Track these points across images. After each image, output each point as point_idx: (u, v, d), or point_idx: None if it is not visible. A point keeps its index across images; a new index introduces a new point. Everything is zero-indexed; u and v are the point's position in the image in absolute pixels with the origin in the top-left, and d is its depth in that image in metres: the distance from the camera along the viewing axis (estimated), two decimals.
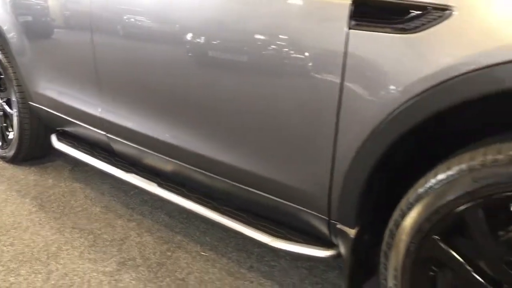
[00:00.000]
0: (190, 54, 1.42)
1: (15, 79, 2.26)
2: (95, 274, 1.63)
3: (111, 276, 1.62)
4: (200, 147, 1.51)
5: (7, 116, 2.46)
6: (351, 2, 1.05)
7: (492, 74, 0.87)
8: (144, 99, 1.64)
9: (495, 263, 0.95)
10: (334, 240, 1.30)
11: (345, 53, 1.08)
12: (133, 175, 1.84)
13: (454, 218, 0.97)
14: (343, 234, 1.22)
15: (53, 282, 1.59)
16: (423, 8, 0.95)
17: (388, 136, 1.05)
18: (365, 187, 1.13)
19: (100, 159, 1.99)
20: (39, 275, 1.63)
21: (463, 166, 0.94)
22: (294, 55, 1.17)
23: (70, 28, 1.86)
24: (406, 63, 0.99)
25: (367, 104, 1.07)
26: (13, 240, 1.82)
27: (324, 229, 1.29)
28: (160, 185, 1.74)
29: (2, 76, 2.40)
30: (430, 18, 0.94)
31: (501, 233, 0.96)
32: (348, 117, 1.11)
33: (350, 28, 1.06)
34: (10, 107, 2.38)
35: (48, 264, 1.68)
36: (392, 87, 1.02)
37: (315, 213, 1.28)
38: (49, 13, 1.94)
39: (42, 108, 2.19)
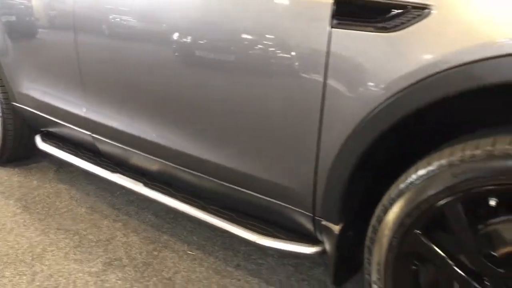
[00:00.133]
0: (176, 54, 1.42)
1: None
2: (80, 274, 1.62)
3: (97, 277, 1.61)
4: (187, 146, 1.51)
5: None
6: (333, 1, 1.06)
7: (470, 71, 0.89)
8: (129, 98, 1.64)
9: (475, 256, 0.97)
10: (319, 236, 1.31)
11: (328, 52, 1.09)
12: (119, 175, 1.84)
13: (435, 213, 0.99)
14: (328, 231, 1.23)
15: (38, 283, 1.58)
16: (403, 7, 0.97)
17: (370, 134, 1.06)
18: (348, 184, 1.14)
19: (85, 160, 1.97)
20: (24, 277, 1.61)
21: (443, 161, 0.97)
22: (279, 55, 1.19)
23: (54, 27, 1.85)
24: (387, 61, 1.01)
25: (350, 102, 1.08)
26: None
27: (309, 226, 1.30)
28: (146, 184, 1.73)
29: None
30: (410, 17, 0.96)
31: (480, 226, 0.98)
32: (332, 115, 1.13)
33: (332, 27, 1.07)
34: None
35: (33, 266, 1.67)
36: (373, 85, 1.04)
37: (301, 210, 1.29)
38: (33, 12, 1.92)
39: (26, 109, 2.17)
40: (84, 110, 1.83)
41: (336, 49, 1.08)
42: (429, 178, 0.99)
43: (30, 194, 2.17)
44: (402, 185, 1.03)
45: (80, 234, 1.86)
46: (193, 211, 1.59)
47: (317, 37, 1.10)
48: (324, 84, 1.12)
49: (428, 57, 0.95)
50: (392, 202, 1.05)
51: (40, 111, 2.09)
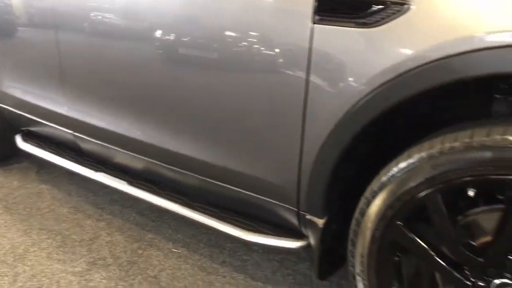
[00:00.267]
0: (158, 51, 1.42)
1: None
2: (64, 274, 1.60)
3: (81, 276, 1.60)
4: (171, 144, 1.51)
5: None
6: None
7: (447, 65, 0.91)
8: (112, 96, 1.62)
9: (455, 246, 1.00)
10: (304, 231, 1.33)
11: (310, 48, 1.10)
12: (102, 173, 1.82)
13: (416, 204, 1.01)
14: (312, 225, 1.24)
15: (20, 284, 1.56)
16: (383, 2, 0.99)
17: (352, 128, 1.08)
18: (331, 178, 1.16)
19: (68, 159, 1.95)
20: (6, 278, 1.58)
21: (423, 154, 0.99)
22: (262, 51, 1.19)
23: (34, 25, 1.82)
24: (367, 57, 1.03)
25: (332, 97, 1.10)
26: None
27: (294, 220, 1.32)
28: (131, 183, 1.72)
29: None
30: (390, 12, 0.98)
31: (459, 217, 1.01)
32: (315, 110, 1.14)
33: (314, 23, 1.08)
34: None
35: (15, 267, 1.64)
36: (354, 80, 1.05)
37: (285, 205, 1.30)
38: (12, 10, 1.89)
39: (5, 108, 2.13)
40: (66, 108, 1.81)
41: (318, 45, 1.09)
42: (409, 171, 1.01)
43: (11, 195, 2.13)
44: (383, 178, 1.05)
45: (63, 234, 1.84)
46: (178, 208, 1.58)
47: (299, 33, 1.11)
48: (307, 80, 1.13)
49: (407, 51, 0.97)
50: (374, 195, 1.07)
51: (21, 110, 2.06)
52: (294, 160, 1.21)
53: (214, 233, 1.78)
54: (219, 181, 1.43)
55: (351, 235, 1.14)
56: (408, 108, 1.03)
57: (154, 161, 1.60)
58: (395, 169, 1.03)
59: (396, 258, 1.09)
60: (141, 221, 1.93)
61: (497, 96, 1.05)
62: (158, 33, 1.39)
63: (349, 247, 1.16)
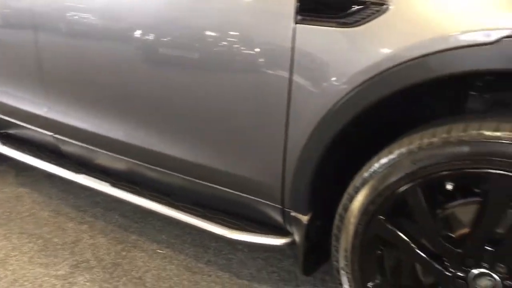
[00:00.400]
0: (139, 51, 1.41)
1: None
2: (47, 278, 1.58)
3: (64, 279, 1.58)
4: (154, 144, 1.50)
5: None
6: None
7: (424, 64, 0.95)
8: (94, 97, 1.61)
9: (434, 238, 1.03)
10: (288, 228, 1.35)
11: (293, 48, 1.12)
12: (84, 175, 1.80)
13: (397, 199, 1.04)
14: (297, 221, 1.27)
15: None
16: (362, 3, 1.02)
17: (334, 126, 1.10)
18: (315, 175, 1.18)
19: (48, 161, 1.92)
20: None
21: (403, 149, 1.02)
22: (245, 51, 1.20)
23: (12, 26, 1.79)
24: (348, 56, 1.05)
25: (314, 96, 1.12)
26: None
27: (278, 218, 1.33)
28: (114, 184, 1.71)
29: None
30: (369, 12, 1.01)
31: (438, 210, 1.04)
32: (298, 109, 1.16)
33: (296, 23, 1.10)
34: None
35: None
36: (336, 79, 1.07)
37: (270, 203, 1.32)
38: None
39: None
40: (46, 109, 1.79)
41: (300, 44, 1.11)
42: (390, 166, 1.04)
43: None
44: (365, 174, 1.08)
45: (44, 237, 1.82)
46: (162, 208, 1.58)
47: (282, 33, 1.12)
48: (290, 80, 1.15)
49: (386, 51, 0.99)
50: (357, 191, 1.10)
51: None
52: (278, 159, 1.23)
53: (199, 233, 1.79)
54: (204, 181, 1.43)
55: (334, 230, 1.17)
56: (388, 108, 1.06)
57: (138, 162, 1.59)
58: (376, 165, 1.06)
59: (379, 252, 1.12)
60: (124, 223, 1.92)
61: (472, 93, 1.10)
62: (139, 33, 1.39)
63: (333, 242, 1.18)
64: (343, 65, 1.06)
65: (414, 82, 0.97)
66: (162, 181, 1.58)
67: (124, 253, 1.72)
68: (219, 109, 1.30)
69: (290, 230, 1.35)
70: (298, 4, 1.09)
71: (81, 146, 1.75)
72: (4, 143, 2.10)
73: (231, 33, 1.22)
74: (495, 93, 1.07)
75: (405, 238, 1.06)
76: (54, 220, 1.94)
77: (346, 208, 1.13)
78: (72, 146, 1.79)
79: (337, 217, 1.16)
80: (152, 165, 1.56)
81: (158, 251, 1.74)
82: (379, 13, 1.00)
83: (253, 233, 1.40)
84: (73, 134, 1.75)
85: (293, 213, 1.27)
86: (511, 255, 0.95)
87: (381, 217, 1.07)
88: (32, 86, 1.79)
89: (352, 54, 1.05)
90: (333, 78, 1.08)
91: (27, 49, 1.71)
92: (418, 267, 1.11)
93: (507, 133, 0.89)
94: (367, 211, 1.08)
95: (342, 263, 1.16)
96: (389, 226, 1.07)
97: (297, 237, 1.30)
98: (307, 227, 1.24)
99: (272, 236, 1.38)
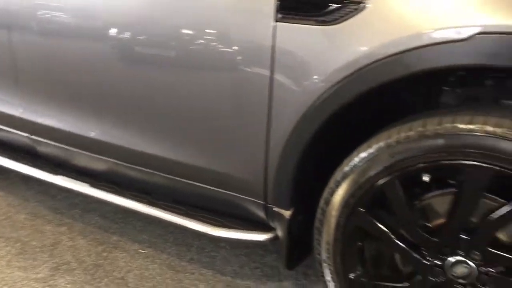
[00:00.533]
0: (115, 50, 1.40)
1: None
2: (26, 281, 1.56)
3: (44, 282, 1.55)
4: (132, 142, 1.50)
5: None
6: None
7: (400, 60, 0.98)
8: (70, 96, 1.59)
9: (412, 228, 1.07)
10: (271, 223, 1.37)
11: (273, 46, 1.14)
12: (62, 177, 1.77)
13: (376, 192, 1.07)
14: (279, 217, 1.29)
15: None
16: (340, 1, 1.04)
17: (314, 122, 1.13)
18: (297, 171, 1.20)
19: (23, 163, 1.88)
20: None
21: (381, 143, 1.05)
22: (226, 50, 1.21)
23: None
24: (327, 54, 1.08)
25: (295, 93, 1.14)
26: None
27: (261, 213, 1.35)
28: (93, 185, 1.69)
29: None
30: (347, 10, 1.04)
31: (416, 202, 1.08)
32: (279, 106, 1.18)
33: (277, 21, 1.12)
34: None
35: None
36: (315, 76, 1.10)
37: (253, 199, 1.33)
38: None
39: None
40: (21, 110, 1.75)
41: (280, 43, 1.13)
42: (370, 160, 1.07)
43: None
44: (346, 168, 1.11)
45: (22, 241, 1.78)
46: (143, 207, 1.57)
47: (262, 31, 1.14)
48: (271, 78, 1.16)
49: (363, 48, 1.02)
50: (337, 185, 1.13)
51: None
52: (260, 155, 1.25)
53: (181, 231, 1.79)
54: (186, 179, 1.44)
55: (317, 224, 1.20)
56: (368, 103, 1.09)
57: (117, 161, 1.58)
58: (356, 159, 1.09)
59: (360, 244, 1.16)
60: (104, 224, 1.90)
61: (445, 88, 1.14)
62: (115, 32, 1.38)
63: (315, 236, 1.21)
64: (323, 63, 1.08)
65: (391, 79, 1.00)
66: (143, 180, 1.57)
67: (105, 254, 1.71)
68: (202, 107, 1.30)
69: (272, 226, 1.37)
70: (278, 2, 1.11)
71: (58, 147, 1.72)
72: None
73: (211, 31, 1.23)
74: (467, 88, 1.12)
75: (385, 229, 1.09)
76: (31, 223, 1.90)
77: (327, 202, 1.15)
78: (49, 147, 1.76)
79: (319, 210, 1.18)
80: (132, 164, 1.55)
81: (140, 251, 1.74)
82: (356, 11, 1.03)
83: (236, 230, 1.41)
84: (50, 135, 1.72)
85: (275, 209, 1.29)
86: (485, 243, 1.00)
87: (361, 209, 1.10)
88: (6, 87, 1.75)
89: (331, 51, 1.07)
90: (313, 76, 1.10)
91: (1, 49, 1.67)
92: (397, 257, 1.14)
93: (480, 125, 0.94)
94: (348, 204, 1.11)
95: (324, 255, 1.19)
96: (369, 218, 1.10)
97: (280, 232, 1.32)
98: (290, 222, 1.26)
99: (254, 232, 1.39)
